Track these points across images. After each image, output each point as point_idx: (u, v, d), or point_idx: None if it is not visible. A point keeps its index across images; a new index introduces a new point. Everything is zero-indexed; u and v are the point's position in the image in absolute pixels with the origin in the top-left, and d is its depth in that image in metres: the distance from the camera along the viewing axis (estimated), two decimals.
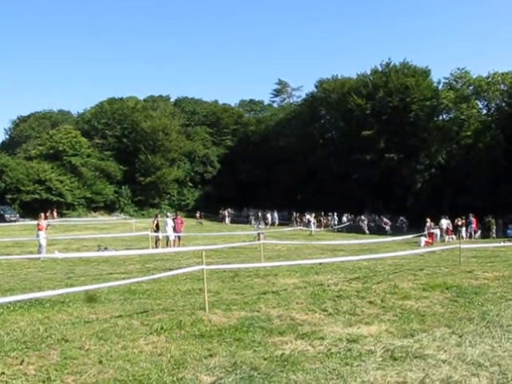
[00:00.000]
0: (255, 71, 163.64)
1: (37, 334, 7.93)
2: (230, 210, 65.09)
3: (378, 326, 8.30)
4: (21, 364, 6.48)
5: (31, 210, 53.49)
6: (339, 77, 73.72)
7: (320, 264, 16.56)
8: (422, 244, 28.47)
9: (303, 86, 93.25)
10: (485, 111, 61.09)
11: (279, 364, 6.45)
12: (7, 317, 9.29)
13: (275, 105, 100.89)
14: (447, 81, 63.43)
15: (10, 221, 54.14)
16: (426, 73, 65.28)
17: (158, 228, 27.04)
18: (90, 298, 8.05)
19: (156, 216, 30.33)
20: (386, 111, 61.86)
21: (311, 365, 6.41)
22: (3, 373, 6.16)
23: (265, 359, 6.64)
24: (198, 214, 61.03)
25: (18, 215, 58.70)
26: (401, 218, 36.72)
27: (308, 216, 48.82)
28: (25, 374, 6.15)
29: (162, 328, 8.21)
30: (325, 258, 19.54)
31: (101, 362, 6.58)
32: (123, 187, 76.75)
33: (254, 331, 8.06)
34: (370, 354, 6.80)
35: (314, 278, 13.97)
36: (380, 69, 67.15)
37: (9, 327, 8.45)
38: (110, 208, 74.85)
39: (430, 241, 30.53)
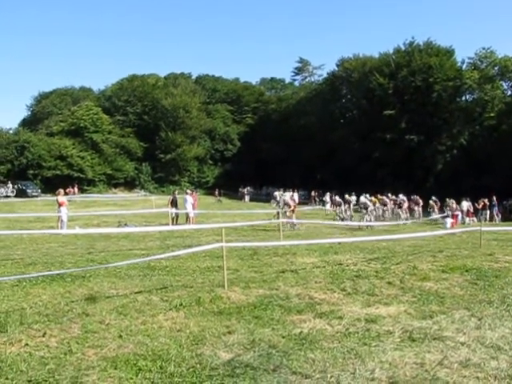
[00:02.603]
0: (276, 49, 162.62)
1: (58, 308, 8.03)
2: (249, 188, 65.16)
3: (397, 307, 8.29)
4: (43, 336, 6.58)
5: (53, 185, 53.87)
6: (361, 56, 73.14)
7: (339, 243, 16.55)
8: (448, 225, 27.99)
9: (325, 65, 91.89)
10: (510, 92, 60.21)
11: (297, 342, 6.47)
12: (30, 290, 9.42)
13: (296, 83, 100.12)
14: (471, 61, 62.64)
15: (32, 196, 54.75)
16: (449, 52, 64.36)
17: (173, 205, 27.07)
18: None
19: (173, 193, 30.38)
20: (408, 91, 61.18)
21: (329, 344, 6.42)
22: (27, 344, 6.28)
23: (283, 337, 6.66)
24: (217, 192, 61.16)
25: (39, 191, 59.29)
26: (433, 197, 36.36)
27: (328, 196, 48.65)
28: (47, 345, 6.25)
29: (181, 304, 8.27)
30: (344, 237, 19.51)
31: (121, 336, 6.66)
32: (143, 164, 77.18)
33: (273, 309, 8.09)
34: (389, 335, 6.80)
35: (332, 257, 13.96)
36: (403, 48, 66.40)
37: (31, 300, 8.58)
38: (130, 185, 75.39)
39: (455, 222, 30.13)
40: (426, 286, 9.90)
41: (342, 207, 34.49)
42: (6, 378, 5.28)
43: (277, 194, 45.07)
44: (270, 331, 6.93)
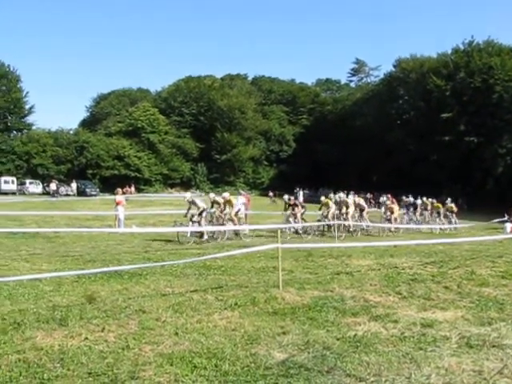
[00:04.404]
0: (332, 50, 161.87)
1: (116, 304, 8.21)
2: (304, 189, 64.90)
3: (454, 312, 8.12)
4: (102, 331, 6.74)
5: (110, 185, 55.11)
6: (418, 56, 71.96)
7: (395, 246, 16.35)
8: (508, 230, 27.16)
9: (381, 66, 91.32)
10: None
11: (352, 345, 6.42)
12: (89, 286, 9.66)
13: (352, 84, 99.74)
14: None
15: (91, 195, 56.03)
16: None
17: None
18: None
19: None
20: (466, 92, 59.74)
21: (384, 347, 6.34)
22: (87, 338, 6.44)
23: (337, 339, 6.62)
24: (271, 193, 61.21)
25: (98, 190, 60.62)
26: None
27: (384, 198, 47.95)
28: (106, 340, 6.40)
29: (236, 304, 8.32)
30: (400, 240, 19.25)
31: (176, 333, 6.74)
32: (199, 164, 78.01)
33: (327, 311, 8.05)
34: (445, 340, 6.65)
35: (388, 260, 13.81)
36: (462, 48, 64.89)
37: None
38: (186, 185, 76.23)
39: None
40: (484, 292, 9.65)
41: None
42: (68, 369, 5.44)
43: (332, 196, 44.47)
44: (324, 333, 6.90)
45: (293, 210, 22.91)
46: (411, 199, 31.32)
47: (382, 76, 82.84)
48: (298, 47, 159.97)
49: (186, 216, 20.14)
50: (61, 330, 6.80)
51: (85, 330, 6.78)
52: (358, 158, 68.49)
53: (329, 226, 22.89)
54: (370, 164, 66.90)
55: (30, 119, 76.78)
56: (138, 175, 70.80)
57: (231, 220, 20.86)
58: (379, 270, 12.17)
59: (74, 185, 58.46)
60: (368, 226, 24.20)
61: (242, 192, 30.16)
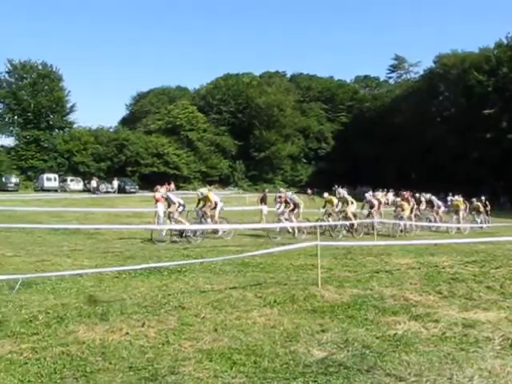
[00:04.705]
0: (371, 46, 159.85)
1: (156, 300, 8.31)
2: (343, 187, 64.32)
3: (497, 313, 7.97)
4: (142, 326, 6.83)
5: (149, 182, 55.57)
6: (460, 51, 70.77)
7: (435, 245, 16.13)
8: None
9: (421, 62, 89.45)
10: None
11: (391, 344, 6.37)
12: (129, 282, 9.81)
13: (391, 81, 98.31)
14: None
15: (130, 192, 56.58)
16: None
17: (263, 202, 27.14)
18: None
19: (263, 191, 30.56)
20: (510, 88, 58.46)
21: (425, 347, 6.27)
22: (127, 333, 6.55)
23: (377, 338, 6.58)
24: (309, 191, 60.93)
25: (137, 187, 61.26)
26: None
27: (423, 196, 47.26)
28: (146, 335, 6.49)
29: (275, 301, 8.33)
30: (440, 239, 18.98)
31: (216, 330, 6.79)
32: (237, 162, 78.26)
33: (367, 309, 8.01)
34: (488, 341, 6.54)
35: (428, 259, 13.64)
36: (505, 42, 63.48)
37: (131, 292, 8.92)
38: (224, 182, 76.53)
39: None
40: None
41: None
42: (110, 363, 5.56)
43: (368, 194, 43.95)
44: (363, 331, 6.87)
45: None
46: (427, 196, 29.65)
47: (421, 72, 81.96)
48: (336, 44, 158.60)
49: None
50: (102, 324, 6.93)
51: (125, 324, 6.90)
52: (396, 155, 67.72)
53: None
54: (409, 161, 66.08)
55: (71, 117, 78.13)
56: (177, 172, 71.34)
57: (211, 217, 19.82)
58: (419, 268, 12.05)
59: (115, 182, 59.11)
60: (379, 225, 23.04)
61: (281, 190, 29.87)
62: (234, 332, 6.71)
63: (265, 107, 78.69)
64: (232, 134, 79.42)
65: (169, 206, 19.33)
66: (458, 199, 28.57)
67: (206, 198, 20.19)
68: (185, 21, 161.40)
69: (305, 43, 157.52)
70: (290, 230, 20.59)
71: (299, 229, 20.53)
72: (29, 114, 72.18)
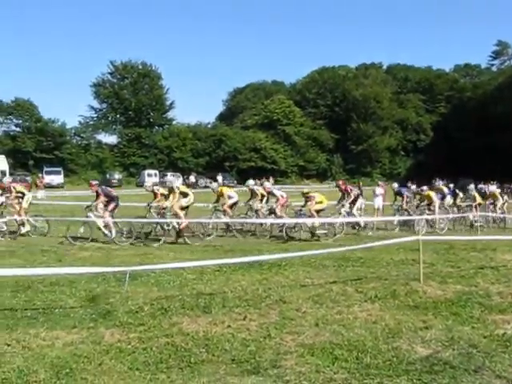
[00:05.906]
0: (471, 33, 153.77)
1: (256, 294, 8.38)
2: (443, 179, 62.42)
3: None
4: (244, 320, 6.91)
5: (247, 176, 56.10)
6: None
7: None
8: None
9: None
10: None
11: (500, 344, 6.08)
12: (230, 275, 9.94)
13: (494, 68, 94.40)
14: None
15: (229, 187, 57.39)
16: None
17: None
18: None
19: (357, 183, 30.21)
20: None
21: None
22: (229, 326, 6.66)
23: (484, 337, 6.31)
24: (408, 184, 59.64)
25: (235, 182, 62.14)
26: None
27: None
28: (247, 328, 6.56)
29: (376, 296, 8.21)
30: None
31: (317, 324, 6.76)
32: (335, 155, 77.89)
33: (472, 306, 7.70)
34: None
35: None
36: None
37: (232, 285, 9.04)
38: (321, 176, 76.36)
39: None
40: None
41: None
42: (213, 355, 5.66)
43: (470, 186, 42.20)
44: (469, 329, 6.62)
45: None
46: (440, 182, 27.07)
47: None
48: (433, 32, 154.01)
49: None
50: (205, 316, 7.07)
51: (227, 317, 7.00)
52: (499, 146, 64.79)
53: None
54: None
55: (170, 114, 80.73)
56: (275, 167, 71.88)
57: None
58: None
59: (219, 177, 60.26)
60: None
61: (379, 183, 29.46)
62: (335, 327, 6.66)
63: (361, 100, 77.89)
64: (329, 128, 79.14)
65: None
66: None
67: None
68: (280, 15, 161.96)
69: (401, 34, 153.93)
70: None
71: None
72: (130, 113, 75.18)
